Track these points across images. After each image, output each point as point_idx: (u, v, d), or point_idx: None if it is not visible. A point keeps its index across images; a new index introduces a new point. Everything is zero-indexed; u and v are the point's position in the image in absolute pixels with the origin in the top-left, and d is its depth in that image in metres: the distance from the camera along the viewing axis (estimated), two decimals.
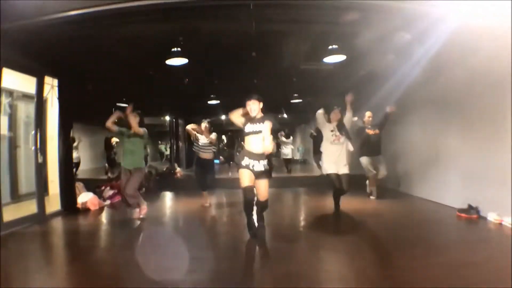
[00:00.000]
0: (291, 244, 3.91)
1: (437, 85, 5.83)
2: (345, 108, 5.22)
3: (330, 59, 5.72)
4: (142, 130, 4.84)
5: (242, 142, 4.67)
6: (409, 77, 5.98)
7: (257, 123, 3.93)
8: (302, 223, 5.19)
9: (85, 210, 5.64)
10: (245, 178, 3.85)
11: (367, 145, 6.32)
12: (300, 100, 10.80)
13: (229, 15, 4.40)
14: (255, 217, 4.09)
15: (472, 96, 4.93)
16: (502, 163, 4.32)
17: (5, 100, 5.55)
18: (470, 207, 4.84)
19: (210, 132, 5.88)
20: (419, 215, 5.26)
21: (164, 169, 10.30)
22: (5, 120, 5.64)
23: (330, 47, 5.45)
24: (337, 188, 5.11)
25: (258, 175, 3.89)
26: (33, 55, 4.66)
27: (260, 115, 3.98)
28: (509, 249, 3.37)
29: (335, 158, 5.05)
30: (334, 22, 4.61)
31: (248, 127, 3.96)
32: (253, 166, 3.87)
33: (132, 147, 4.88)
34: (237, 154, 6.65)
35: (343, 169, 5.05)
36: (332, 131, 5.10)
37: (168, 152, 18.99)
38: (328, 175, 5.11)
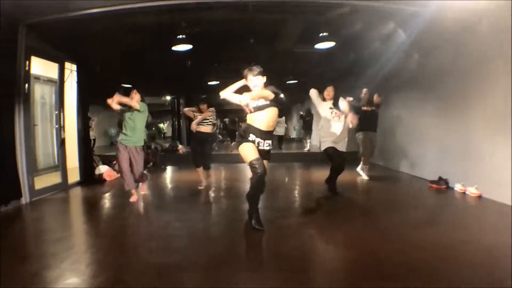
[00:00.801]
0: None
1: (415, 72, 6.46)
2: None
3: (320, 46, 6.32)
4: (140, 105, 4.71)
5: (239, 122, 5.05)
6: (392, 63, 6.60)
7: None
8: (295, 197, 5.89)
9: (101, 180, 6.36)
10: (252, 150, 3.45)
11: (363, 121, 6.18)
12: (295, 81, 11.39)
13: (230, 7, 4.90)
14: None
15: (445, 82, 5.57)
16: (469, 140, 4.98)
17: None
18: (440, 178, 5.52)
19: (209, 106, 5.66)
20: (396, 186, 5.92)
21: (167, 146, 11.01)
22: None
23: (320, 34, 6.06)
24: (336, 166, 5.00)
25: (262, 154, 3.50)
26: (55, 44, 5.25)
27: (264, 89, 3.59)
28: (469, 212, 4.19)
29: (335, 135, 4.92)
30: (325, 13, 5.16)
31: (252, 103, 3.46)
32: (258, 143, 3.52)
33: (133, 124, 4.75)
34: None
35: (343, 146, 4.99)
36: (331, 108, 4.96)
37: (166, 131, 19.65)
38: (327, 153, 4.99)
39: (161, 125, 21.66)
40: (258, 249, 3.15)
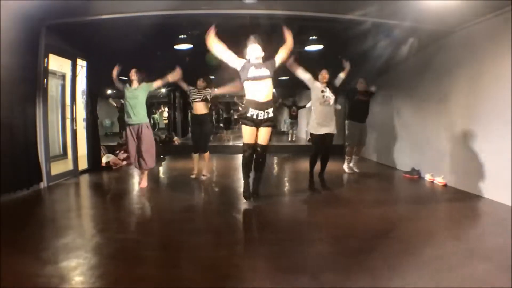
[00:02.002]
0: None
1: (395, 73, 7.14)
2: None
3: (310, 48, 6.90)
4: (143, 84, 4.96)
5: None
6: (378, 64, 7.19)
7: (262, 68, 3.76)
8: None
9: (108, 168, 6.91)
10: (248, 134, 3.77)
11: (355, 111, 6.45)
12: (287, 78, 11.94)
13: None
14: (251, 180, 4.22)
15: (419, 83, 6.24)
16: (439, 135, 5.66)
17: None
18: (413, 169, 6.21)
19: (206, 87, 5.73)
20: (373, 176, 6.51)
21: (164, 137, 11.55)
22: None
23: (310, 38, 6.64)
24: (317, 152, 4.94)
25: (262, 122, 3.78)
26: (69, 42, 5.75)
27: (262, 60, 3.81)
28: (431, 198, 4.89)
29: (323, 120, 4.83)
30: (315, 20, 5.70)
31: (252, 72, 3.74)
32: (257, 115, 3.73)
33: (134, 102, 4.84)
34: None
35: (331, 132, 4.87)
36: (322, 91, 4.82)
37: (158, 121, 20.00)
38: (312, 137, 4.97)
39: (155, 117, 22.02)
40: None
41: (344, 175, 6.49)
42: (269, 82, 3.81)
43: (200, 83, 5.73)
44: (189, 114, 5.81)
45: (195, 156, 5.91)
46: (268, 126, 3.86)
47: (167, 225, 3.62)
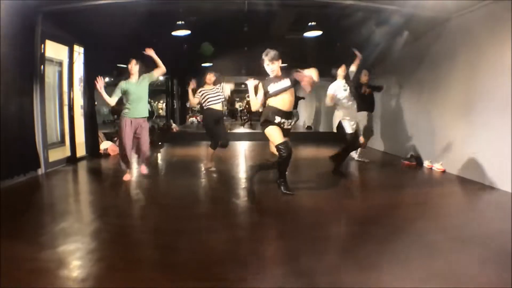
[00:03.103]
0: None
1: (392, 61, 7.10)
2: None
3: (309, 34, 6.86)
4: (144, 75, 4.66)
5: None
6: (376, 53, 7.17)
7: (282, 80, 3.83)
8: None
9: (106, 155, 6.92)
10: (279, 134, 3.77)
11: (363, 102, 6.30)
12: (285, 65, 11.88)
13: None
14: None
15: (419, 71, 6.23)
16: (437, 123, 5.70)
17: None
18: (411, 156, 6.26)
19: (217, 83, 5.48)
20: (373, 163, 6.51)
21: (162, 125, 11.56)
22: None
23: (309, 24, 6.60)
24: (351, 144, 5.13)
25: (286, 133, 3.89)
26: (66, 28, 5.69)
27: (280, 72, 3.90)
28: (430, 183, 4.97)
29: (350, 116, 5.08)
30: (313, 5, 5.67)
31: (272, 87, 3.83)
32: (283, 123, 3.82)
33: (139, 96, 4.61)
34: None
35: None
36: (344, 86, 5.10)
37: (154, 109, 19.84)
38: (344, 133, 5.07)
39: (154, 104, 21.94)
40: None
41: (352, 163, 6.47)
42: (289, 93, 3.87)
43: (211, 77, 5.45)
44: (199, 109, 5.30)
45: (210, 150, 5.64)
46: (288, 136, 3.96)
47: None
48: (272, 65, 3.85)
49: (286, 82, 3.80)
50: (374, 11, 5.27)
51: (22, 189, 4.38)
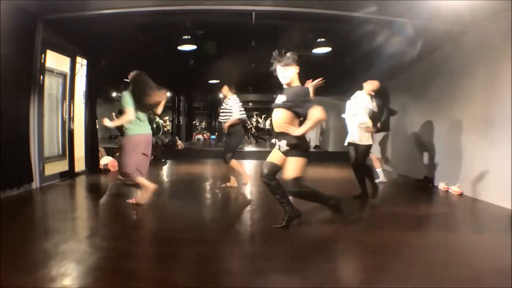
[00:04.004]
0: None
1: (404, 76, 6.88)
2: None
3: (318, 50, 6.68)
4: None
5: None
6: (386, 67, 6.94)
7: (282, 95, 3.26)
8: None
9: (106, 170, 6.68)
10: (270, 156, 3.36)
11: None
12: None
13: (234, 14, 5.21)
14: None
15: (434, 86, 5.98)
16: (453, 142, 5.36)
17: None
18: (425, 177, 5.92)
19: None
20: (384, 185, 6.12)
21: (167, 141, 11.37)
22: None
23: (318, 40, 6.42)
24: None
25: (284, 153, 3.26)
26: (69, 39, 5.57)
27: (291, 83, 3.26)
28: (450, 208, 4.59)
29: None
30: (323, 19, 5.48)
31: (276, 99, 3.33)
32: (278, 146, 3.30)
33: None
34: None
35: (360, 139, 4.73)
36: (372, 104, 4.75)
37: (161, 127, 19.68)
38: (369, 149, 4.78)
39: (160, 121, 21.75)
40: None
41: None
42: (276, 111, 3.26)
43: (226, 91, 5.40)
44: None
45: (229, 164, 5.33)
46: (291, 156, 3.23)
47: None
48: (284, 72, 3.21)
49: (281, 99, 3.21)
50: (385, 24, 5.06)
51: (9, 204, 4.11)
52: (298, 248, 2.92)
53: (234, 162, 5.30)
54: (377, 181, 5.94)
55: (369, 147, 4.68)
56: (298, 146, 3.16)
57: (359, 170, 4.75)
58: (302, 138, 3.18)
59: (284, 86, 3.31)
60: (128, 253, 2.74)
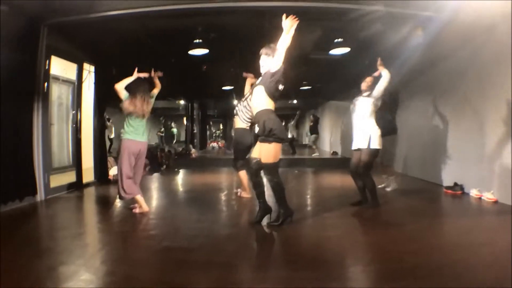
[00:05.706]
0: None
1: (428, 77, 6.43)
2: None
3: (335, 51, 6.31)
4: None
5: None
6: (407, 67, 6.50)
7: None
8: None
9: (115, 181, 6.40)
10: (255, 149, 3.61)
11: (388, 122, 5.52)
12: (309, 87, 11.38)
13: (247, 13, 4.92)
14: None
15: (459, 88, 5.51)
16: (485, 144, 4.91)
17: None
18: (455, 184, 5.44)
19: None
20: (412, 193, 5.63)
21: (181, 150, 11.14)
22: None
23: (335, 40, 6.05)
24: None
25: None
26: (75, 44, 5.37)
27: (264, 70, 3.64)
28: (484, 218, 4.16)
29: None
30: (341, 19, 5.14)
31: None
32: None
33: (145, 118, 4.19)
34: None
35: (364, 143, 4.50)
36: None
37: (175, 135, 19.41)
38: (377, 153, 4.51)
39: (174, 130, 21.68)
40: None
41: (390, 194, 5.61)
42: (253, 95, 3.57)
43: (252, 78, 5.02)
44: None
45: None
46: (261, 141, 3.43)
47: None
48: (261, 60, 3.64)
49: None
50: (405, 17, 4.67)
51: (9, 218, 3.86)
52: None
53: (242, 173, 4.94)
54: (388, 189, 5.69)
55: (375, 151, 4.39)
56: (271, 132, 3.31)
57: (362, 179, 4.48)
58: (277, 123, 3.36)
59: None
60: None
